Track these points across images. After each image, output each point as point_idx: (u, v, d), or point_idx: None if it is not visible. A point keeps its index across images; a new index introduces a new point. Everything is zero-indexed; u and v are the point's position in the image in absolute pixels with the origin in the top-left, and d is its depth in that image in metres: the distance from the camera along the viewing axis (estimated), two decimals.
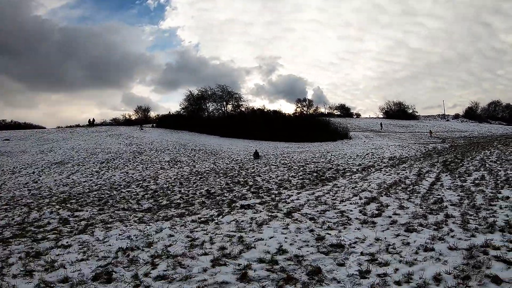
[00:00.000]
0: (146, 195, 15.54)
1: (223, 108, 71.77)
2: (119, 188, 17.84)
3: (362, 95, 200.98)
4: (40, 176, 22.30)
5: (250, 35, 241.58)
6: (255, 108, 69.56)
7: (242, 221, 9.71)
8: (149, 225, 10.12)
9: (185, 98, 71.41)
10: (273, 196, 13.44)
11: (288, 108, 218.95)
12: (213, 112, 71.17)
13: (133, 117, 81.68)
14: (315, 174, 18.18)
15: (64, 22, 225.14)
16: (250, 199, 13.11)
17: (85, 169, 24.34)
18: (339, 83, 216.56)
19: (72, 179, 21.12)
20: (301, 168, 20.30)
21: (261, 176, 18.39)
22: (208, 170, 22.44)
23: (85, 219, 11.48)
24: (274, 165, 23.02)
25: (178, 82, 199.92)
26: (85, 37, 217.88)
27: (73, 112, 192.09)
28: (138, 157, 28.98)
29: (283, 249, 7.28)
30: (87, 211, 12.68)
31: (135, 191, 16.62)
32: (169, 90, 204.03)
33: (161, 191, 16.48)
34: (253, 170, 20.95)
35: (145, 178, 20.53)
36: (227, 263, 6.65)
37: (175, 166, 25.21)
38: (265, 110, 68.27)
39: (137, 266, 6.80)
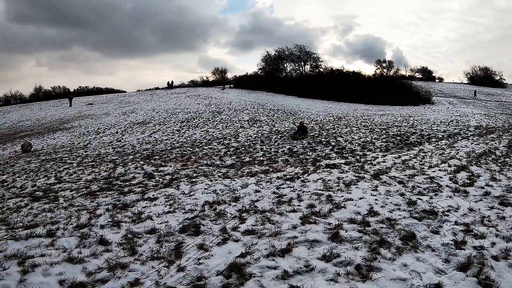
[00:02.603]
0: (228, 152, 15.46)
1: (300, 69, 71.21)
2: (200, 145, 17.95)
3: (444, 58, 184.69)
4: (123, 136, 23.16)
5: None
6: (333, 69, 67.58)
7: (329, 180, 9.56)
8: (234, 180, 10.12)
9: (262, 58, 71.82)
10: (358, 157, 12.94)
11: (366, 69, 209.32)
12: (291, 73, 70.95)
13: (211, 79, 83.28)
14: (398, 137, 17.14)
15: None
16: (335, 159, 12.72)
17: (166, 128, 24.88)
18: (419, 44, 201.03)
19: (154, 137, 21.67)
20: (384, 131, 19.27)
21: (343, 137, 17.71)
22: (288, 130, 21.95)
23: (170, 173, 11.61)
24: (355, 126, 22.04)
25: (252, 43, 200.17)
26: (156, 4, 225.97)
27: (150, 76, 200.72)
28: (217, 117, 29.09)
29: (374, 211, 7.08)
30: (170, 166, 12.82)
31: (217, 148, 16.63)
32: (244, 52, 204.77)
33: (243, 148, 16.33)
34: (334, 131, 20.21)
35: (225, 136, 20.51)
36: (317, 221, 6.57)
37: (254, 125, 24.94)
38: (344, 70, 66.12)
39: (225, 220, 6.82)
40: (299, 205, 7.51)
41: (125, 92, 75.54)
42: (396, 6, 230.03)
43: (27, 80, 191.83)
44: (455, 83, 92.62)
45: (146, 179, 11.02)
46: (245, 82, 65.66)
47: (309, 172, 10.69)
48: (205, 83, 79.80)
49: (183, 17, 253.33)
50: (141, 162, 13.95)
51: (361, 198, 7.88)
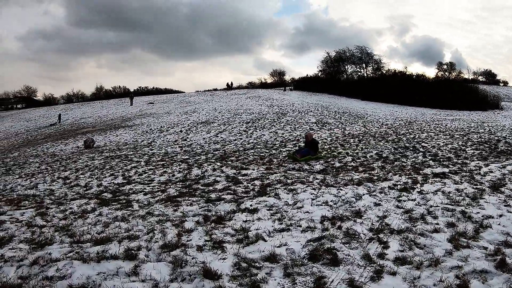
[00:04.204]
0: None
1: (362, 71, 69.88)
2: (274, 147, 16.50)
3: (505, 60, 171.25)
4: (188, 135, 22.04)
5: None
6: (396, 71, 65.56)
7: (449, 193, 8.15)
8: (340, 189, 8.55)
9: (323, 60, 70.68)
10: (459, 165, 11.33)
11: (424, 72, 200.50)
12: (352, 75, 69.68)
13: (269, 81, 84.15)
14: (486, 145, 15.22)
15: None
16: (436, 167, 11.08)
17: (232, 128, 23.60)
18: (479, 45, 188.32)
19: (221, 137, 20.38)
20: (465, 138, 17.35)
21: (427, 143, 15.96)
22: (361, 133, 20.23)
23: (257, 178, 10.01)
24: (431, 132, 20.18)
25: (306, 46, 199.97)
26: (211, 8, 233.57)
27: (207, 78, 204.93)
28: (282, 118, 27.62)
29: None
30: (253, 169, 11.28)
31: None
32: (298, 54, 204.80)
33: (325, 152, 14.53)
34: (412, 136, 18.41)
35: (298, 138, 18.93)
36: (469, 244, 5.33)
37: (324, 127, 23.29)
38: (407, 73, 64.07)
39: (361, 243, 5.43)
40: (437, 224, 6.17)
41: (184, 92, 76.32)
42: (452, 5, 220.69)
43: (88, 80, 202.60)
44: None
45: (231, 184, 9.50)
46: (305, 84, 64.77)
47: (420, 182, 9.14)
48: (263, 85, 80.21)
49: (238, 20, 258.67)
50: (218, 164, 12.51)
51: (500, 216, 6.53)
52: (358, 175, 10.29)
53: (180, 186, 9.58)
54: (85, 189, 10.15)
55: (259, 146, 16.77)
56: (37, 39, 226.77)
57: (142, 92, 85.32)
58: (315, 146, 13.33)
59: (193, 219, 6.36)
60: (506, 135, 17.96)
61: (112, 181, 10.91)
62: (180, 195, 8.42)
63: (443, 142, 15.98)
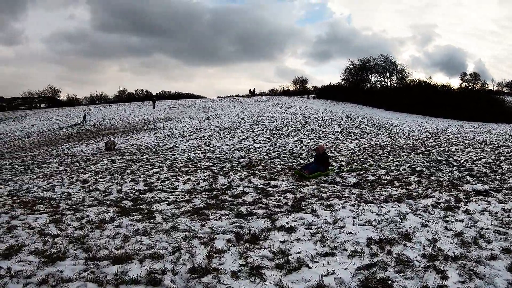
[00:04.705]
0: (341, 167, 13.08)
1: (386, 80, 69.33)
2: (301, 156, 15.90)
3: None
4: (211, 140, 21.58)
5: (403, 3, 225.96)
6: (421, 81, 65.35)
7: (495, 213, 7.55)
8: (381, 206, 7.88)
9: (346, 69, 70.85)
10: (497, 182, 10.71)
11: (449, 82, 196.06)
12: (375, 84, 69.39)
13: (291, 88, 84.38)
14: None
15: (214, 3, 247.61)
16: (475, 184, 10.39)
17: (256, 135, 23.08)
18: (503, 56, 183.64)
19: (245, 144, 19.87)
20: (496, 152, 16.61)
21: (458, 157, 15.25)
22: (389, 145, 19.58)
23: (288, 191, 9.36)
24: (460, 144, 19.54)
25: (328, 54, 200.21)
26: (234, 15, 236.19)
27: (228, 84, 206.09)
28: (306, 127, 27.08)
29: None
30: (283, 180, 10.67)
31: None
32: (320, 63, 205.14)
33: (355, 164, 14.01)
34: (442, 149, 17.72)
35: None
36: None
37: (349, 137, 22.66)
38: (432, 84, 63.71)
39: (416, 272, 4.78)
40: (492, 249, 5.57)
41: (206, 97, 76.47)
42: (477, 15, 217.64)
43: (111, 83, 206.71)
44: None
45: (262, 196, 8.85)
46: (328, 93, 64.94)
47: (463, 200, 8.54)
48: (286, 92, 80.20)
49: (261, 27, 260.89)
50: (245, 173, 11.92)
51: None
52: (395, 190, 9.68)
53: (206, 196, 9.01)
54: (104, 194, 9.66)
55: (285, 155, 16.16)
56: (62, 42, 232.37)
57: (164, 96, 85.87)
58: (326, 161, 12.09)
59: (224, 237, 5.75)
60: None
61: (133, 187, 10.39)
62: (207, 207, 7.83)
63: (475, 156, 15.37)
